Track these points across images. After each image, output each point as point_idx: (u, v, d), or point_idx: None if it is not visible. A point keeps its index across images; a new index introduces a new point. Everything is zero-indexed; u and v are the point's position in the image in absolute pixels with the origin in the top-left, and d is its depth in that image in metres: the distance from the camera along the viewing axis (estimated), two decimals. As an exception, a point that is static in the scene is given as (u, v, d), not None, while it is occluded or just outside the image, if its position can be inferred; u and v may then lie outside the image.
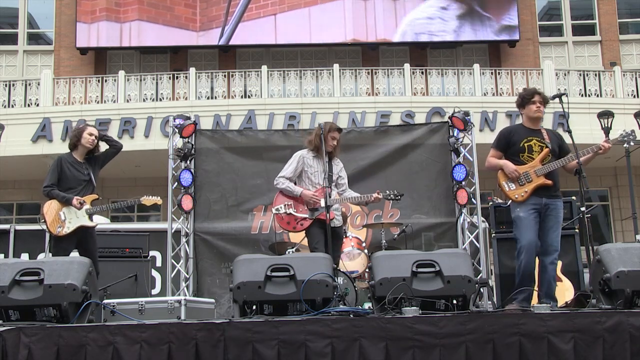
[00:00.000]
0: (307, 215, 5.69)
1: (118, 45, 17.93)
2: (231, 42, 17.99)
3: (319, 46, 18.49)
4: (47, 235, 8.58)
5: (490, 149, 5.44)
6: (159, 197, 6.88)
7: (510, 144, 5.20)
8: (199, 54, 18.68)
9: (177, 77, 16.45)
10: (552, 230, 5.03)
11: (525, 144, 5.13)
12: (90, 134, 6.04)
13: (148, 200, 6.59)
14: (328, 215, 5.43)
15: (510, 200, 5.14)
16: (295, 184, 5.85)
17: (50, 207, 5.85)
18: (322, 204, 5.61)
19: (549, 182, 5.01)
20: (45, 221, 5.81)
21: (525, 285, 4.92)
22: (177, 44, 17.98)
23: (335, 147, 5.90)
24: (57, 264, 4.14)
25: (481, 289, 6.45)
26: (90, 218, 5.98)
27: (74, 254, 5.88)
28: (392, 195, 5.96)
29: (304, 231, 5.80)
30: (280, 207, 5.77)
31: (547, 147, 5.08)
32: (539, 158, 5.07)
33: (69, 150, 6.13)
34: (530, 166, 5.06)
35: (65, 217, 5.84)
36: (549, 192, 5.04)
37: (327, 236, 5.54)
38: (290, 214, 5.73)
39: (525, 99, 5.22)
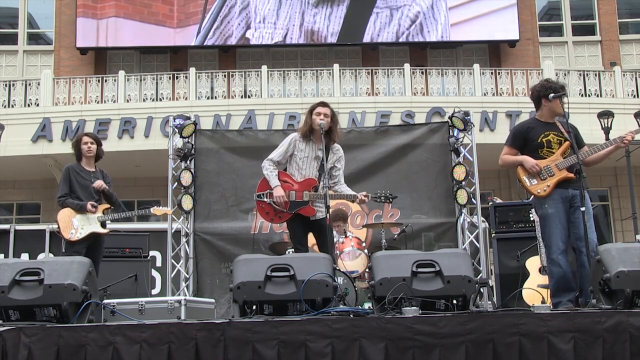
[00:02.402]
0: (285, 210, 5.30)
1: (94, 42, 17.85)
2: (230, 43, 18.03)
3: (319, 46, 18.50)
4: (48, 235, 8.66)
5: (503, 146, 5.16)
6: (169, 208, 7.09)
7: (527, 141, 4.98)
8: (199, 54, 18.68)
9: (177, 77, 16.45)
10: (580, 221, 4.73)
11: (544, 139, 4.93)
12: (85, 143, 6.16)
13: (159, 210, 6.65)
14: (328, 215, 5.11)
15: (533, 196, 4.94)
16: (286, 169, 5.46)
17: (64, 214, 6.04)
18: (306, 197, 5.25)
19: (572, 175, 4.80)
20: (58, 226, 6.00)
21: (564, 287, 4.74)
22: (154, 41, 17.91)
23: (332, 127, 5.32)
24: (57, 264, 4.13)
25: (481, 289, 6.46)
26: (102, 225, 6.13)
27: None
28: (382, 197, 5.54)
29: (286, 224, 5.48)
30: (262, 195, 5.39)
31: (566, 140, 4.89)
32: (559, 151, 4.88)
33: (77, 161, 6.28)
34: (552, 160, 4.88)
35: (78, 224, 6.00)
36: (574, 184, 4.83)
37: (325, 236, 5.23)
38: (269, 204, 5.35)
39: (557, 92, 4.95)
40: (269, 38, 17.86)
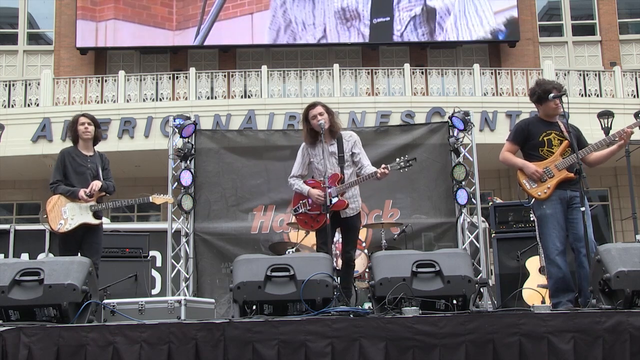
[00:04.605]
0: (318, 212, 5.28)
1: (94, 43, 17.89)
2: (220, 42, 18.08)
3: (319, 46, 18.50)
4: (48, 235, 8.65)
5: (503, 145, 5.16)
6: (169, 196, 6.65)
7: (528, 138, 4.97)
8: (199, 54, 18.68)
9: (177, 77, 16.46)
10: (578, 222, 4.79)
11: (545, 138, 4.93)
12: (82, 123, 5.73)
13: (158, 198, 6.26)
14: (328, 215, 5.11)
15: (534, 199, 4.92)
16: (312, 177, 5.47)
17: (53, 203, 5.64)
18: (334, 192, 5.22)
19: (572, 175, 4.80)
20: (47, 216, 5.61)
21: (563, 288, 4.75)
22: (153, 43, 17.96)
23: (330, 123, 5.32)
24: (57, 264, 4.13)
25: (481, 289, 6.45)
26: (95, 215, 5.68)
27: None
28: (402, 163, 5.31)
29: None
30: (298, 207, 5.44)
31: (565, 139, 4.89)
32: (558, 151, 4.88)
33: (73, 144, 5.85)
34: (551, 161, 4.87)
35: (67, 214, 5.59)
36: (573, 185, 4.83)
37: (351, 234, 5.29)
38: (305, 213, 5.38)
39: (541, 98, 4.94)
40: (313, 38, 17.97)
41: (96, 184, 5.68)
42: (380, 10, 17.80)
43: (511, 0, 18.08)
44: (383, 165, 5.23)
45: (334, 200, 5.22)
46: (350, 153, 5.41)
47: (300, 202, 5.42)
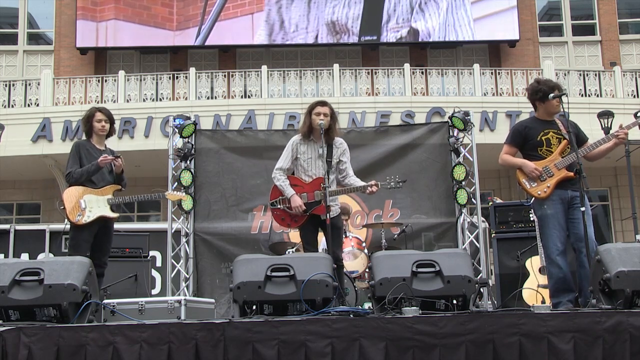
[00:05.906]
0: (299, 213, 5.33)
1: (94, 43, 17.90)
2: (221, 42, 18.09)
3: (319, 46, 18.49)
4: (48, 235, 8.65)
5: (503, 145, 5.17)
6: (184, 193, 6.60)
7: (526, 139, 4.97)
8: (199, 54, 18.68)
9: (177, 77, 16.45)
10: (580, 221, 4.77)
11: (543, 138, 4.92)
12: (99, 120, 5.67)
13: (173, 195, 6.25)
14: (328, 215, 5.14)
15: (534, 198, 4.93)
16: (293, 173, 5.50)
17: (70, 194, 5.52)
18: (317, 197, 5.26)
19: (571, 174, 4.80)
20: (64, 207, 5.48)
21: (563, 288, 4.76)
22: (154, 43, 17.97)
23: (331, 125, 5.37)
24: (57, 264, 4.13)
25: (481, 289, 6.46)
26: (112, 209, 5.63)
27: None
28: (392, 183, 5.48)
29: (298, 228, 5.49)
30: (276, 202, 5.44)
31: (565, 138, 4.88)
32: (558, 150, 4.87)
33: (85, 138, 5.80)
34: (550, 160, 4.87)
35: (85, 206, 5.50)
36: (573, 185, 4.83)
37: (334, 234, 5.25)
38: (284, 209, 5.40)
39: (546, 95, 4.93)
40: (304, 42, 18.02)
41: (119, 161, 5.66)
42: (368, 29, 17.83)
43: (511, 1, 18.10)
44: (374, 182, 5.38)
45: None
46: (338, 160, 5.48)
47: (280, 197, 5.44)
